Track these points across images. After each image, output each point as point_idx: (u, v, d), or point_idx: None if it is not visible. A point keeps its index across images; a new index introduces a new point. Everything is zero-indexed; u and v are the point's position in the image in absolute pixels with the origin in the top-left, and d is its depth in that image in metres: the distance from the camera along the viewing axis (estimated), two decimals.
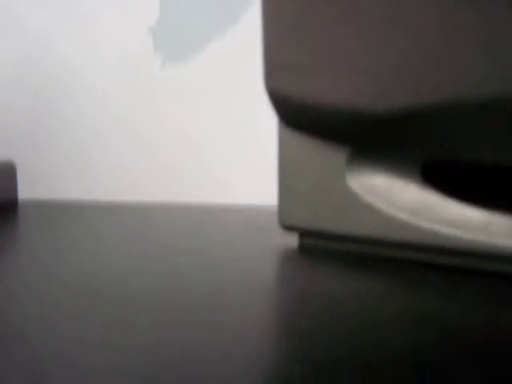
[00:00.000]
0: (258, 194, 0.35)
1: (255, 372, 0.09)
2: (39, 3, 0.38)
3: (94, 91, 0.38)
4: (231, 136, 0.35)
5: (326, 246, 0.19)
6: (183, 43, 0.36)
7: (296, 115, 0.18)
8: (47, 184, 0.39)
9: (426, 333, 0.11)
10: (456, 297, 0.14)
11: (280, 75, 0.17)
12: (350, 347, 0.10)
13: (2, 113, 0.39)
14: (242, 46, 0.35)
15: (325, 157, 0.18)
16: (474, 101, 0.14)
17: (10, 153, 0.39)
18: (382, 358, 0.09)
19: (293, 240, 0.21)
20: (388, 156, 0.18)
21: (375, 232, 0.18)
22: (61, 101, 0.38)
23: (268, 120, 0.34)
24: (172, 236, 0.21)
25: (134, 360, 0.09)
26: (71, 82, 0.38)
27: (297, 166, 0.19)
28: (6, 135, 0.39)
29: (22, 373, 0.08)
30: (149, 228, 0.23)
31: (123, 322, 0.11)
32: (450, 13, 0.14)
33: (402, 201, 0.17)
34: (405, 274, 0.16)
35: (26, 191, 0.39)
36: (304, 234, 0.19)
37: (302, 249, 0.19)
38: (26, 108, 0.38)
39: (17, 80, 0.38)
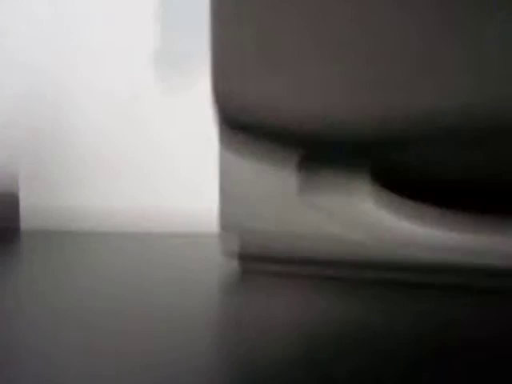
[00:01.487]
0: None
1: None
2: (38, 31, 0.40)
3: (91, 107, 0.39)
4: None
5: (268, 268, 0.19)
6: (185, 71, 0.37)
7: (245, 120, 0.18)
8: (49, 192, 0.41)
9: (372, 353, 0.11)
10: (407, 311, 0.14)
11: (229, 80, 0.17)
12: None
13: (6, 129, 0.41)
14: None
15: (271, 165, 0.18)
16: (441, 122, 0.14)
17: (13, 165, 0.41)
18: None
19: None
20: (339, 168, 0.18)
21: (324, 251, 0.18)
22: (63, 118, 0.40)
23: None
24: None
25: None
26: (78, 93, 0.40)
27: (239, 175, 0.19)
28: (5, 147, 0.41)
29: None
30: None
31: None
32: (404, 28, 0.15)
33: (354, 219, 0.17)
34: (356, 291, 0.16)
35: (28, 199, 0.41)
36: (245, 258, 0.19)
37: (244, 272, 0.19)
38: (29, 124, 0.40)
39: (18, 108, 0.41)
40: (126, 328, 0.12)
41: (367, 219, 0.17)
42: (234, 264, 0.21)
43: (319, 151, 0.17)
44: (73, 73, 0.40)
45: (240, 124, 0.18)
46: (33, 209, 0.41)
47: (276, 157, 0.18)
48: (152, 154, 0.38)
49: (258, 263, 0.19)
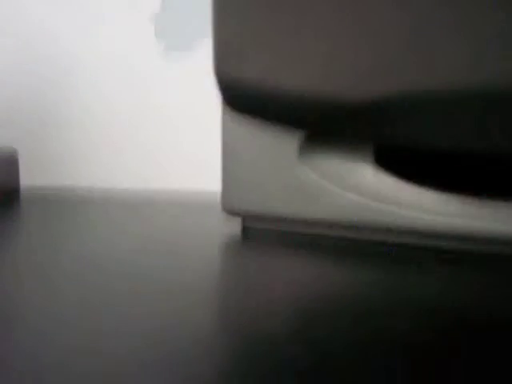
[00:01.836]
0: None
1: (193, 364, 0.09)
2: None
3: (96, 80, 0.39)
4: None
5: (272, 228, 0.20)
6: (185, 33, 0.37)
7: (247, 101, 0.18)
8: (47, 170, 0.41)
9: (377, 308, 0.12)
10: (409, 273, 0.14)
11: (231, 59, 0.18)
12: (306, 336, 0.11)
13: (4, 102, 0.41)
14: None
15: (274, 141, 0.19)
16: (438, 92, 0.15)
17: (12, 141, 0.42)
18: (335, 345, 0.10)
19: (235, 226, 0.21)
20: (341, 140, 0.19)
21: (327, 214, 0.18)
22: (63, 89, 0.40)
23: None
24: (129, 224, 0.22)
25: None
26: (74, 72, 0.40)
27: (242, 150, 0.20)
28: (8, 124, 0.41)
29: (22, 358, 0.09)
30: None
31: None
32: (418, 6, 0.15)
33: (355, 183, 0.18)
34: (356, 253, 0.17)
35: (26, 178, 0.42)
36: (248, 218, 0.20)
37: (246, 234, 0.20)
38: (29, 98, 0.40)
39: (18, 74, 0.41)
40: (128, 290, 0.13)
41: (367, 181, 0.18)
42: (236, 223, 0.22)
43: (321, 128, 0.18)
44: (76, 38, 0.40)
45: (243, 108, 0.19)
46: (33, 182, 0.41)
47: (277, 133, 0.19)
48: (156, 127, 0.38)
49: (260, 222, 0.20)
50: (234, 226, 0.21)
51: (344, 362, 0.09)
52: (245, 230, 0.20)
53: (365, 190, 0.18)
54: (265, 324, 0.10)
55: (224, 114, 0.20)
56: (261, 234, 0.20)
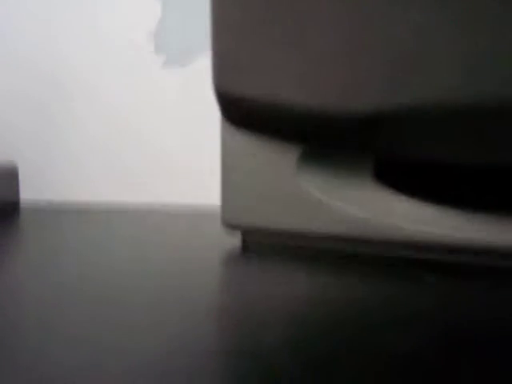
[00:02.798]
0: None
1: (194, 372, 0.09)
2: (40, 5, 0.40)
3: (94, 92, 0.40)
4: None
5: (272, 242, 0.20)
6: (184, 46, 0.38)
7: (247, 116, 0.18)
8: (48, 184, 0.41)
9: (376, 323, 0.12)
10: (409, 286, 0.14)
11: (230, 74, 0.18)
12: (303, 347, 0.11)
13: (5, 114, 0.41)
14: None
15: (273, 155, 0.19)
16: (436, 105, 0.15)
17: (12, 154, 0.42)
18: (334, 360, 0.10)
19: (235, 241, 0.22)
20: (340, 154, 0.19)
21: (326, 228, 0.19)
22: (61, 103, 0.40)
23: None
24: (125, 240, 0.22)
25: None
26: (73, 84, 0.40)
27: (241, 164, 0.20)
28: (9, 137, 0.41)
29: (21, 370, 0.09)
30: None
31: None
32: (419, 16, 0.15)
33: (354, 197, 0.18)
34: (354, 267, 0.17)
35: (26, 191, 0.42)
36: (248, 231, 0.20)
37: (246, 247, 0.20)
38: (29, 109, 0.41)
39: (20, 82, 0.41)
40: (126, 302, 0.13)
41: (366, 195, 0.18)
42: (236, 238, 0.22)
43: (320, 142, 0.18)
44: (75, 52, 0.40)
45: (242, 122, 0.19)
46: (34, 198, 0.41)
47: (277, 147, 0.19)
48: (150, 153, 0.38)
49: (260, 236, 0.20)
50: (234, 240, 0.21)
51: (343, 376, 0.09)
52: (244, 244, 0.20)
53: (363, 204, 0.18)
54: (263, 338, 0.10)
55: (223, 128, 0.20)
56: (260, 247, 0.20)
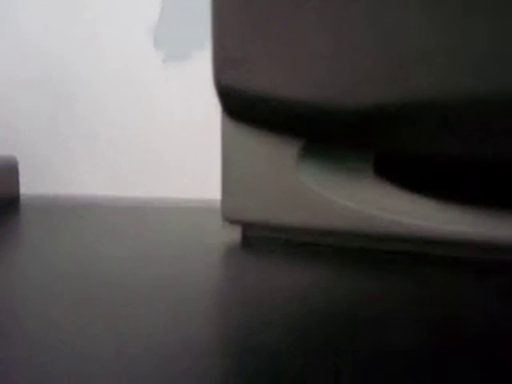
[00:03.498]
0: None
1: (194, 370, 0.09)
2: (40, 9, 0.40)
3: (94, 92, 0.40)
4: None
5: (272, 236, 0.20)
6: (184, 42, 0.38)
7: (248, 110, 0.18)
8: (48, 179, 0.41)
9: (377, 318, 0.12)
10: (404, 281, 0.15)
11: (231, 69, 0.18)
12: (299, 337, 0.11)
13: (5, 111, 0.41)
14: None
15: (273, 150, 0.19)
16: (440, 99, 0.15)
17: (12, 149, 0.42)
18: (334, 356, 0.10)
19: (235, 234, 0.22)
20: (340, 149, 0.19)
21: (327, 223, 0.19)
22: (63, 99, 0.40)
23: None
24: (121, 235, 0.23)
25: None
26: (73, 82, 0.40)
27: (241, 158, 0.20)
28: (8, 133, 0.42)
29: (22, 365, 0.09)
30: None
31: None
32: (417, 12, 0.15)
33: (355, 192, 0.18)
34: (354, 262, 0.17)
35: (26, 187, 0.42)
36: (248, 226, 0.21)
37: (246, 242, 0.20)
38: (29, 107, 0.41)
39: (18, 82, 0.41)
40: (126, 298, 0.13)
41: (367, 190, 0.18)
42: (237, 232, 0.22)
43: (320, 137, 0.18)
44: (76, 51, 0.40)
45: (242, 117, 0.19)
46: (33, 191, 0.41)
47: (277, 142, 0.19)
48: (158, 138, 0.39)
49: (260, 231, 0.20)
50: (235, 234, 0.21)
51: (344, 373, 0.09)
52: (245, 238, 0.20)
53: (364, 199, 0.18)
54: (263, 334, 0.10)
55: (223, 123, 0.20)
56: (261, 242, 0.20)
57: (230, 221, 0.20)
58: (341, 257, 0.17)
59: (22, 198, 0.37)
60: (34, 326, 0.11)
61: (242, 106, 0.18)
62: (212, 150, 0.38)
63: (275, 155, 0.19)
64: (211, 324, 0.11)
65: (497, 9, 0.14)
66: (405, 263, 0.17)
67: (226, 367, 0.09)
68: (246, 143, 0.20)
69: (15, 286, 0.14)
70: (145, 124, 0.39)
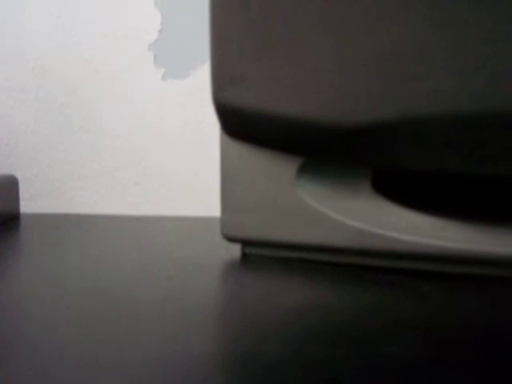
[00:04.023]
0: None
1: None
2: (39, 16, 0.40)
3: (96, 108, 0.40)
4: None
5: (271, 254, 0.20)
6: (184, 60, 0.38)
7: (247, 128, 0.18)
8: (48, 197, 0.41)
9: (375, 332, 0.12)
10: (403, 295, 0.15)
11: (230, 87, 0.18)
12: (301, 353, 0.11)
13: (3, 128, 0.41)
14: None
15: (272, 167, 0.19)
16: (436, 115, 0.15)
17: (11, 168, 0.42)
18: (332, 370, 0.10)
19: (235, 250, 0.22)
20: (339, 166, 0.19)
21: (325, 239, 0.19)
22: (61, 114, 0.40)
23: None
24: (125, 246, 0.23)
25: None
26: (70, 97, 0.40)
27: (241, 176, 0.20)
28: (8, 150, 0.42)
29: (24, 371, 0.09)
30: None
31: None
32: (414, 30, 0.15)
33: (353, 208, 0.18)
34: (353, 278, 0.17)
35: (26, 205, 0.42)
36: (247, 243, 0.21)
37: (246, 259, 0.20)
38: (27, 123, 0.41)
39: (18, 97, 0.41)
40: (126, 314, 0.13)
41: (365, 207, 0.18)
42: (236, 249, 0.22)
43: (319, 154, 0.18)
44: (77, 64, 0.40)
45: (241, 134, 0.19)
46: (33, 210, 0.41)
47: (276, 159, 0.19)
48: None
49: (260, 248, 0.21)
50: (234, 251, 0.21)
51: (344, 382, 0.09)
52: (244, 256, 0.20)
53: (362, 215, 0.18)
54: (262, 349, 0.10)
55: (222, 140, 0.20)
56: (260, 259, 0.20)
57: (230, 238, 0.20)
58: (339, 273, 0.17)
59: (22, 214, 0.37)
60: (37, 337, 0.11)
61: (240, 124, 0.19)
62: (212, 166, 0.38)
63: (274, 172, 0.19)
64: (211, 337, 0.11)
65: (497, 30, 0.14)
66: (403, 279, 0.17)
67: (225, 379, 0.09)
68: (245, 161, 0.20)
69: (16, 299, 0.14)
70: (147, 141, 0.39)
